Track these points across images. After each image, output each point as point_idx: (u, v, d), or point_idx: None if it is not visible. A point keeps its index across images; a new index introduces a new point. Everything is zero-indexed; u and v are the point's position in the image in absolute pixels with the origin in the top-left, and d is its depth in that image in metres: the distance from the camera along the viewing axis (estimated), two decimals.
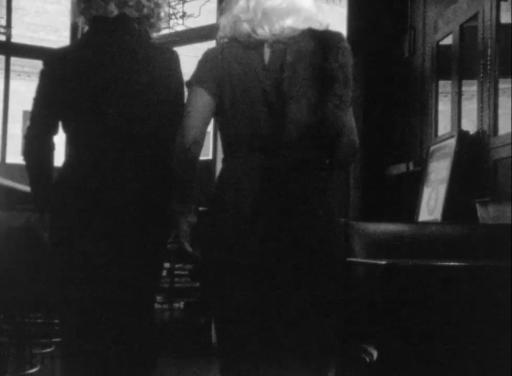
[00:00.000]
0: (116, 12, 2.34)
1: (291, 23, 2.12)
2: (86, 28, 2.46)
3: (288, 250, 2.06)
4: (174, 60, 2.38)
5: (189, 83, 2.19)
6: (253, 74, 2.13)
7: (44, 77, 2.41)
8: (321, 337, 2.15)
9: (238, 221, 2.07)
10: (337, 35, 2.11)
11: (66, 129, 2.41)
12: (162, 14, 2.45)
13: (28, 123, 2.42)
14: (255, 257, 2.07)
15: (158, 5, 2.42)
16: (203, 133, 2.16)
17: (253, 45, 2.15)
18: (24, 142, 2.44)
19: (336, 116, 2.07)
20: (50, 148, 2.40)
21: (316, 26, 2.13)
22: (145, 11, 2.38)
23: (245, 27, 2.14)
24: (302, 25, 2.12)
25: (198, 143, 2.14)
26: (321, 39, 2.09)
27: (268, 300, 2.12)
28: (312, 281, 2.09)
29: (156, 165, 2.34)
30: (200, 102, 2.15)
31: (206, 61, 2.19)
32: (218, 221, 2.12)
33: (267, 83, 2.12)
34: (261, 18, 2.14)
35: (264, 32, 2.13)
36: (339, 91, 2.07)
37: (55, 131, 2.41)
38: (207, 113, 2.16)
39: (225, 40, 2.21)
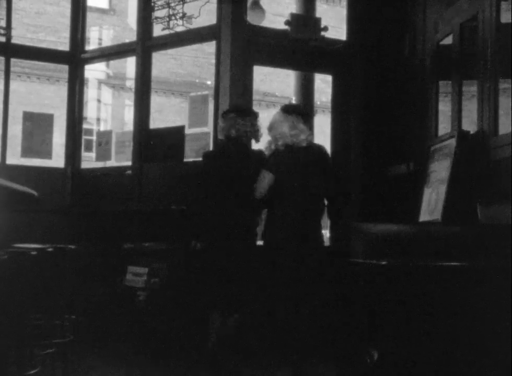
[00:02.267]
0: (235, 134, 4.65)
1: (305, 137, 4.49)
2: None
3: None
4: (262, 159, 4.55)
5: (265, 168, 4.46)
6: (295, 166, 4.43)
7: (204, 165, 4.75)
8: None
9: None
10: (324, 147, 4.61)
11: (209, 194, 4.66)
12: (259, 131, 4.74)
13: (196, 189, 4.87)
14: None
15: (255, 129, 4.71)
16: (264, 193, 4.44)
17: (293, 150, 4.46)
18: (191, 200, 5.04)
19: (331, 186, 4.51)
20: (205, 204, 4.65)
21: (310, 140, 4.55)
22: (248, 133, 4.68)
23: (288, 141, 4.46)
24: (308, 138, 4.51)
25: (262, 196, 4.46)
26: (318, 150, 4.54)
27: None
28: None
29: (248, 214, 4.59)
30: (266, 179, 4.42)
31: (273, 155, 4.49)
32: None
33: (302, 171, 4.43)
34: (293, 136, 4.47)
35: (296, 143, 4.46)
36: (330, 174, 4.52)
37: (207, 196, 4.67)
38: (268, 184, 4.43)
39: (282, 147, 4.47)
